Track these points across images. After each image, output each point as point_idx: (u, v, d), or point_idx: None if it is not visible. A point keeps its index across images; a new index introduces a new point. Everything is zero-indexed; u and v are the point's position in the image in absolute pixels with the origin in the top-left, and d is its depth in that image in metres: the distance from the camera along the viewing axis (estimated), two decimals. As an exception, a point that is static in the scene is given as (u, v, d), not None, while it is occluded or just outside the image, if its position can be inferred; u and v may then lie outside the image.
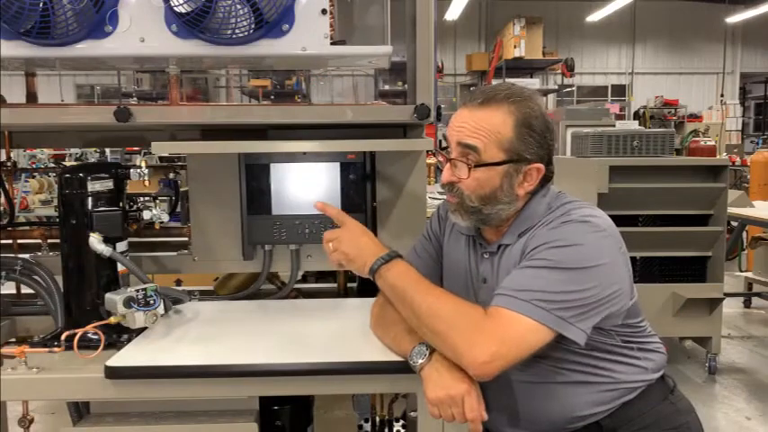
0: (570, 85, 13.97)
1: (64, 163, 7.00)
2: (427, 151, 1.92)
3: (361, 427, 2.08)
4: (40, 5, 1.41)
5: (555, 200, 1.39)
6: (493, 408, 1.36)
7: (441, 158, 1.39)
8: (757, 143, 12.53)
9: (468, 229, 1.46)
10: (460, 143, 1.33)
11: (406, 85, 1.93)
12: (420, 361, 1.29)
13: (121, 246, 1.66)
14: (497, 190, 1.33)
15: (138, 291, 1.53)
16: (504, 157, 1.32)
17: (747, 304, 5.61)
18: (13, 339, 1.85)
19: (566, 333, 1.22)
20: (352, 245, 1.40)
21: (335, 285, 2.18)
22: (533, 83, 13.05)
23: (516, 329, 1.20)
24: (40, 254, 1.95)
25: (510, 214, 1.38)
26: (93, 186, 1.62)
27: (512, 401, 1.40)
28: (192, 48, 1.51)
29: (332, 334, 1.60)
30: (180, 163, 2.13)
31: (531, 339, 1.21)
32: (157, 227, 1.90)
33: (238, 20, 1.45)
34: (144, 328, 1.57)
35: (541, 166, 1.35)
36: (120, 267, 1.64)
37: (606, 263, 1.26)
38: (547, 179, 1.39)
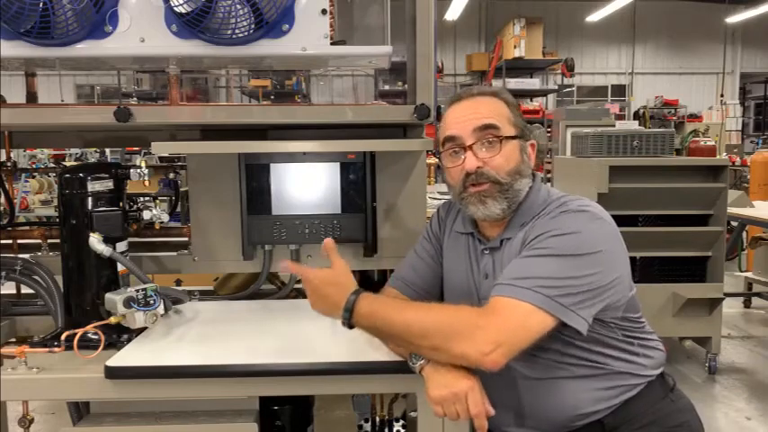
0: (570, 85, 13.98)
1: (64, 163, 7.01)
2: (428, 151, 1.92)
3: (361, 427, 2.08)
4: (40, 5, 1.41)
5: (548, 193, 1.44)
6: (497, 406, 1.36)
7: (455, 149, 1.40)
8: (757, 143, 12.51)
9: (467, 226, 1.50)
10: (479, 127, 1.38)
11: (406, 85, 1.93)
12: (420, 361, 1.30)
13: (121, 246, 1.66)
14: (520, 163, 1.40)
15: (138, 291, 1.53)
16: (515, 132, 1.41)
17: (747, 304, 5.60)
18: (13, 339, 1.85)
19: (567, 320, 1.22)
20: (319, 300, 1.36)
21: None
22: (533, 83, 13.07)
23: (516, 315, 1.21)
24: (40, 254, 1.95)
25: (525, 193, 1.41)
26: (93, 186, 1.62)
27: (515, 399, 1.40)
28: (192, 48, 1.51)
29: (332, 334, 1.59)
30: (180, 163, 2.13)
31: (532, 325, 1.21)
32: (157, 227, 1.90)
33: (238, 20, 1.45)
34: (144, 328, 1.57)
35: (535, 142, 1.47)
36: (120, 267, 1.64)
37: (605, 250, 1.28)
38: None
